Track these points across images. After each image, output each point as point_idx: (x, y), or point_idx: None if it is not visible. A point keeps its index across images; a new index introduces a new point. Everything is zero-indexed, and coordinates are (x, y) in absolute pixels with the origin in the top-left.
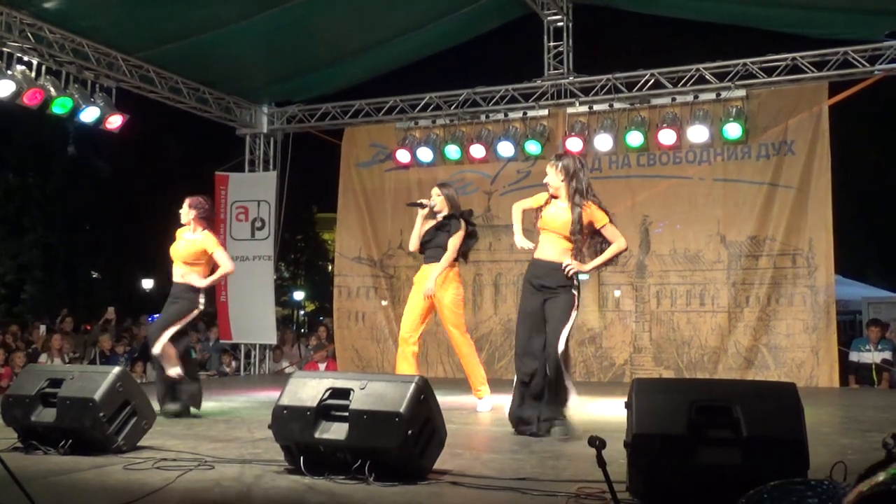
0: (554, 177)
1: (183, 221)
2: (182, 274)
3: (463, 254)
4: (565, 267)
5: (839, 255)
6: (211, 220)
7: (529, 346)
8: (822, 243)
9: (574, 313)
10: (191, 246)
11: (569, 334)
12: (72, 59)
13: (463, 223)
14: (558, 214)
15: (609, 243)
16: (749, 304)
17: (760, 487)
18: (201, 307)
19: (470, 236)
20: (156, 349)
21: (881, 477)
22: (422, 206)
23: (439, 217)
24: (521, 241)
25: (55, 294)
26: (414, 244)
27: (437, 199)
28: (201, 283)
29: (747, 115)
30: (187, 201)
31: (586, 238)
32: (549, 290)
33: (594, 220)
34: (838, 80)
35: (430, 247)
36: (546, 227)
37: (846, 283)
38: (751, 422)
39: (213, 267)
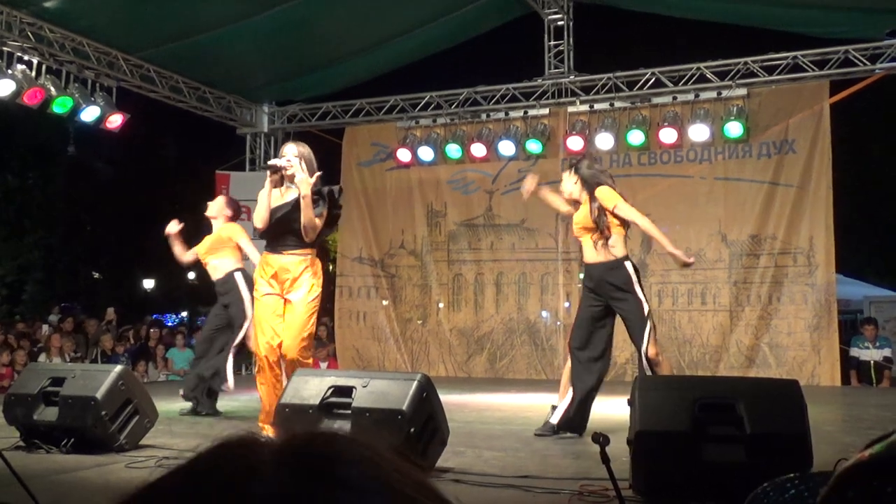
0: (571, 185)
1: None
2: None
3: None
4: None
5: (840, 253)
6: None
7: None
8: (822, 242)
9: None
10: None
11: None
12: (72, 58)
13: (326, 206)
14: (580, 212)
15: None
16: (750, 302)
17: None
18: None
19: (333, 222)
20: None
21: (877, 447)
22: (273, 169)
23: (291, 186)
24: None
25: (56, 295)
26: (262, 220)
27: (295, 161)
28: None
29: (748, 113)
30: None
31: (610, 223)
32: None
33: (603, 203)
34: (839, 79)
35: (281, 231)
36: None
37: (847, 282)
38: (754, 419)
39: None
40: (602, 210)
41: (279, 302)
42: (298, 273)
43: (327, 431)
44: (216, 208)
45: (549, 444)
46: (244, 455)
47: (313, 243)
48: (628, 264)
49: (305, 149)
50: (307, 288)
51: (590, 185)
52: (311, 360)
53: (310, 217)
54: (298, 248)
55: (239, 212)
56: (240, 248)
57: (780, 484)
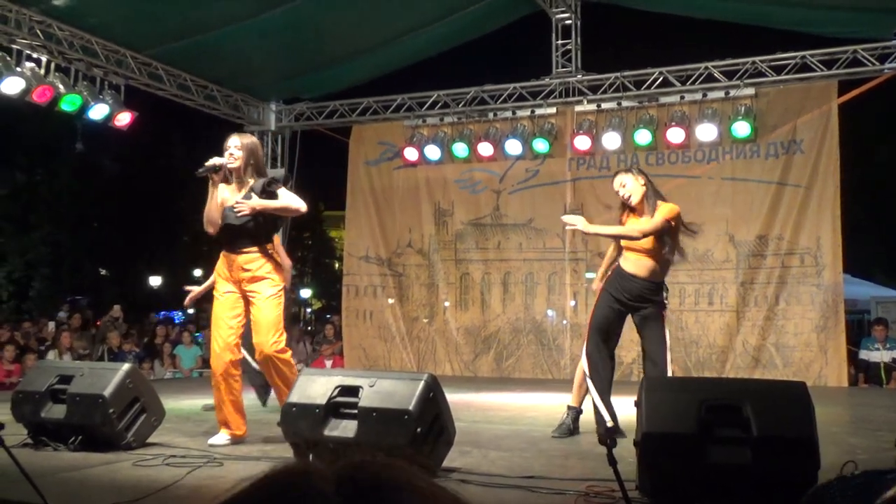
0: (637, 187)
1: None
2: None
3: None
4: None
5: (847, 254)
6: None
7: None
8: (830, 242)
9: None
10: None
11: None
12: (81, 56)
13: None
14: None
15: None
16: (757, 303)
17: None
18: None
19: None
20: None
21: None
22: (215, 169)
23: (237, 182)
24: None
25: (62, 291)
26: (214, 223)
27: (237, 153)
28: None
29: (756, 113)
30: None
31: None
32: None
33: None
34: (847, 79)
35: (236, 231)
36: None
37: (854, 283)
38: (761, 421)
39: None
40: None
41: (239, 300)
42: (257, 269)
43: (371, 460)
44: None
45: (555, 444)
46: (299, 484)
47: (269, 237)
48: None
49: (248, 139)
50: (268, 283)
51: (656, 197)
52: (287, 355)
53: (279, 207)
54: (254, 244)
55: None
56: None
57: (844, 478)
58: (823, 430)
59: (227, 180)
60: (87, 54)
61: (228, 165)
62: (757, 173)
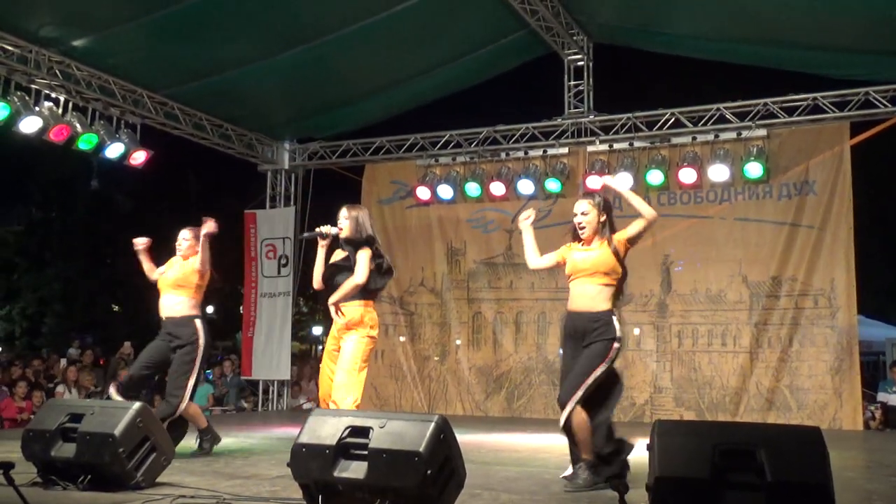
0: (593, 222)
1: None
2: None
3: (372, 292)
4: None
5: (862, 294)
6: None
7: None
8: (843, 284)
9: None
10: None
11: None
12: (98, 95)
13: (366, 253)
14: (591, 256)
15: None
16: (771, 344)
17: None
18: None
19: (378, 271)
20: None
21: None
22: (321, 235)
23: (345, 247)
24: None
25: (74, 328)
26: (317, 282)
27: (345, 223)
28: None
29: (768, 154)
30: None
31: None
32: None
33: (622, 242)
34: (859, 121)
35: (336, 286)
36: (580, 271)
37: (869, 324)
38: (775, 466)
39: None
40: (620, 256)
41: (335, 348)
42: (345, 321)
43: None
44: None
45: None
46: None
47: (369, 294)
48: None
49: (356, 210)
50: (358, 334)
51: (612, 229)
52: (350, 400)
53: (349, 293)
54: (353, 300)
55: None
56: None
57: None
58: (839, 474)
59: (339, 246)
60: (105, 94)
61: (336, 235)
62: (770, 214)
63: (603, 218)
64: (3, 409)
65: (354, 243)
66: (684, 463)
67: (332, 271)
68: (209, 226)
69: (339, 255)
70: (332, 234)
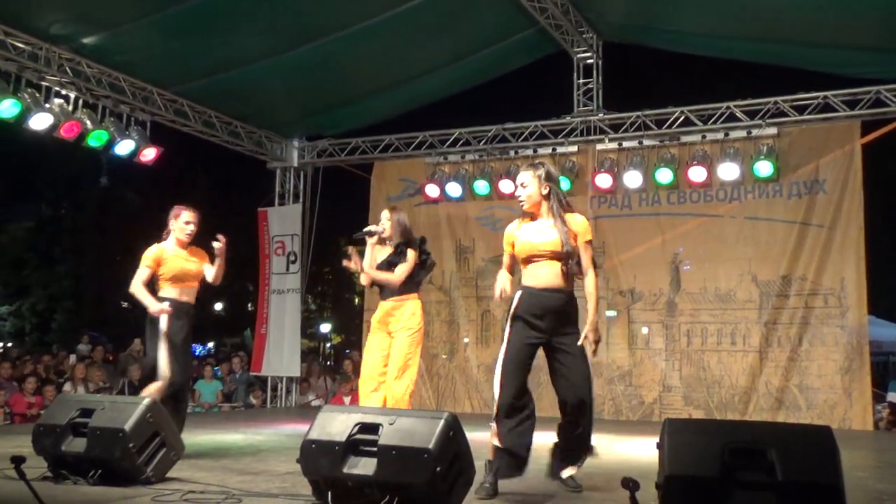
0: (534, 194)
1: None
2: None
3: (418, 284)
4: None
5: (872, 294)
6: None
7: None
8: (854, 283)
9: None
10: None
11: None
12: (108, 92)
13: (413, 252)
14: (545, 234)
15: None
16: (780, 343)
17: None
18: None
19: (423, 266)
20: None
21: None
22: (370, 234)
23: (389, 244)
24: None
25: (84, 324)
26: (365, 278)
27: (387, 224)
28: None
29: (778, 153)
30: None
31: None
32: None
33: (578, 234)
34: (870, 119)
35: (384, 284)
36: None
37: (880, 324)
38: (786, 466)
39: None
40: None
41: (386, 340)
42: (401, 314)
43: None
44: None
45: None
46: None
47: (412, 288)
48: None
49: (397, 214)
50: (408, 325)
51: (563, 206)
52: (404, 387)
53: (385, 281)
54: (399, 294)
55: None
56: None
57: None
58: (849, 474)
59: (383, 243)
60: (115, 91)
61: (380, 234)
62: (780, 213)
63: (546, 190)
64: (13, 405)
65: (404, 243)
66: (695, 462)
67: (379, 268)
68: (221, 241)
69: (382, 252)
70: (377, 233)
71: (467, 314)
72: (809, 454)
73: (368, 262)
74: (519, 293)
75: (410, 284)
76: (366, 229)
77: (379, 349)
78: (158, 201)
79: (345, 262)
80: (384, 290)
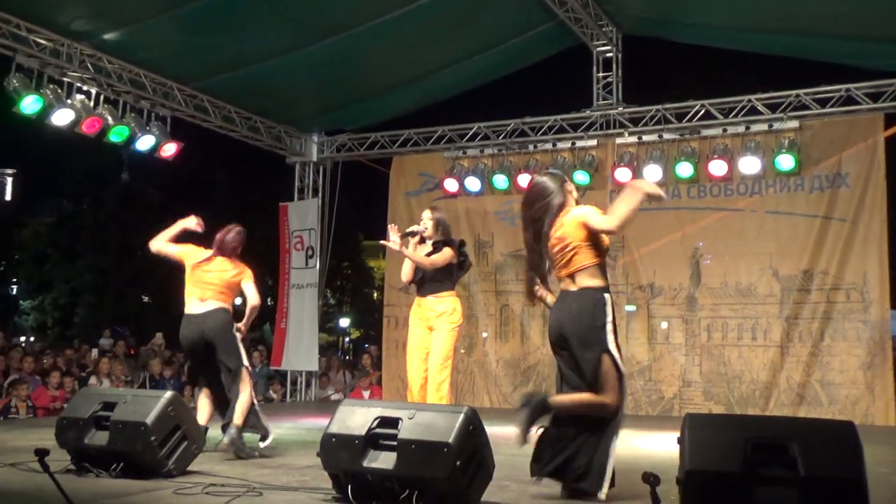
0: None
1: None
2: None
3: (454, 283)
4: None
5: (895, 289)
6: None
7: None
8: (876, 277)
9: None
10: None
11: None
12: (129, 88)
13: (450, 249)
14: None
15: None
16: (802, 338)
17: None
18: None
19: (461, 267)
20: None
21: None
22: (412, 234)
23: (429, 243)
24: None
25: (106, 318)
26: (407, 275)
27: (429, 224)
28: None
29: (800, 146)
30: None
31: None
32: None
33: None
34: (893, 112)
35: (427, 279)
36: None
37: None
38: (808, 461)
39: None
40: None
41: (427, 336)
42: (441, 310)
43: None
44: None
45: None
46: None
47: (450, 286)
48: None
49: (437, 214)
50: (451, 320)
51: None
52: (446, 375)
53: (418, 261)
54: (438, 291)
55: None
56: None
57: None
58: (872, 470)
59: (423, 241)
60: (136, 87)
61: (422, 232)
62: (801, 207)
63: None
64: (36, 398)
65: (442, 241)
66: (716, 457)
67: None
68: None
69: (422, 250)
70: (419, 233)
71: (486, 309)
72: (832, 450)
73: (409, 262)
74: (608, 296)
75: (449, 283)
76: (409, 229)
77: (423, 346)
78: (178, 197)
79: (384, 242)
80: (423, 287)
